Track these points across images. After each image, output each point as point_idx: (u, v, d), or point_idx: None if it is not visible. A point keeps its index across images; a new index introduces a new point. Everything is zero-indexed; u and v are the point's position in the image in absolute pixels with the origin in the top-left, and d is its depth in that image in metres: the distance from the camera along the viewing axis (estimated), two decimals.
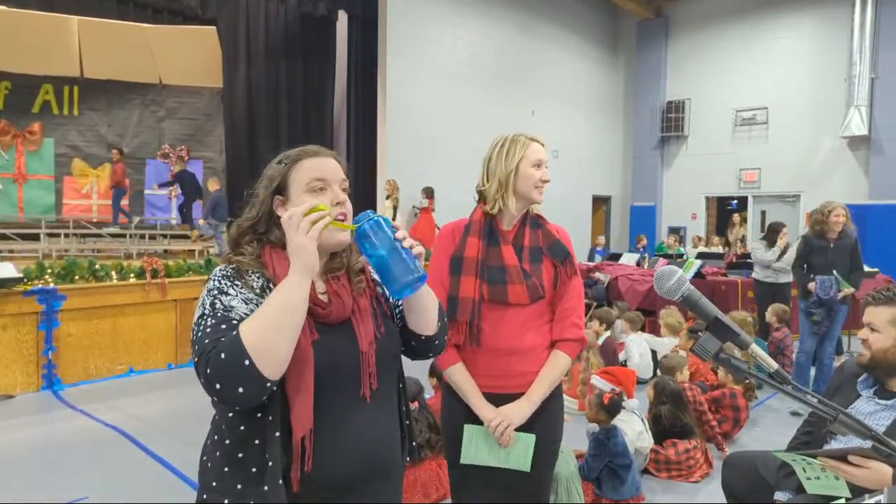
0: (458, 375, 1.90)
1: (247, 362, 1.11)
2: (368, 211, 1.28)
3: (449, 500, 2.65)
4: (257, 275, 1.28)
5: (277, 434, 1.19)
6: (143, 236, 9.06)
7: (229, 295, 1.22)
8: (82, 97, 9.70)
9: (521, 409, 1.87)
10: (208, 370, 1.12)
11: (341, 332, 1.30)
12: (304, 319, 1.18)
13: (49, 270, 5.51)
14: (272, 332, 1.13)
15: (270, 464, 1.18)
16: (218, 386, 1.12)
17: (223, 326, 1.17)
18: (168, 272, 6.17)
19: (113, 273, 5.85)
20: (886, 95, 11.55)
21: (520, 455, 1.88)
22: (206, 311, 1.21)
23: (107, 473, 3.69)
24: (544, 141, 2.01)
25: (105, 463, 3.85)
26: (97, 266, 5.81)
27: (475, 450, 1.89)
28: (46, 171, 9.41)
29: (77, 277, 5.63)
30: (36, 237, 8.28)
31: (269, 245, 1.33)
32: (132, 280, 5.92)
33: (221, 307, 1.20)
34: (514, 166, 1.92)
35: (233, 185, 10.23)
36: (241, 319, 1.18)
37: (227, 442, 1.24)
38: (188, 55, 9.88)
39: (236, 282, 1.25)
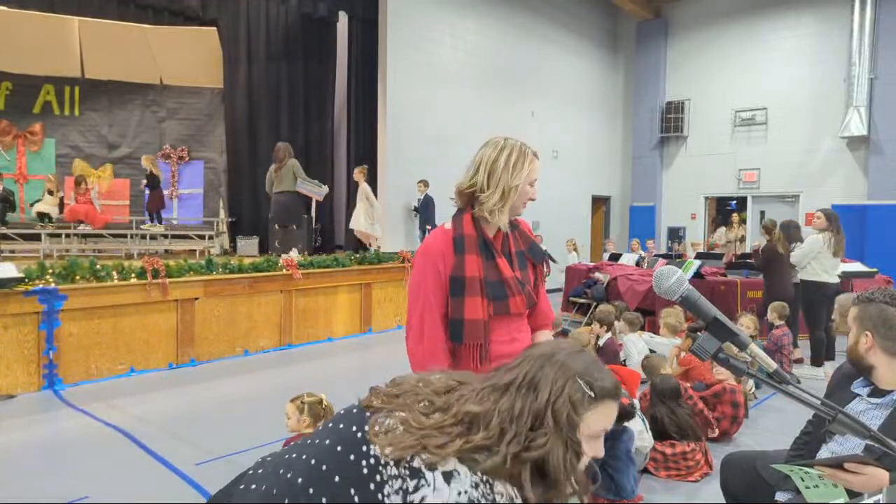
0: None
1: None
2: None
3: None
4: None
5: None
6: (143, 236, 9.06)
7: None
8: (83, 98, 9.69)
9: None
10: None
11: None
12: None
13: (50, 270, 5.52)
14: None
15: None
16: None
17: None
18: (169, 272, 6.17)
19: (114, 273, 5.86)
20: (886, 95, 11.55)
21: None
22: None
23: (107, 473, 3.70)
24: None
25: (105, 463, 3.86)
26: (98, 266, 5.82)
27: None
28: (47, 171, 9.41)
29: (78, 277, 5.63)
30: (37, 237, 8.28)
31: None
32: (133, 280, 5.93)
33: None
34: (519, 181, 1.88)
35: (233, 185, 10.25)
36: None
37: None
38: (189, 56, 9.87)
39: None
